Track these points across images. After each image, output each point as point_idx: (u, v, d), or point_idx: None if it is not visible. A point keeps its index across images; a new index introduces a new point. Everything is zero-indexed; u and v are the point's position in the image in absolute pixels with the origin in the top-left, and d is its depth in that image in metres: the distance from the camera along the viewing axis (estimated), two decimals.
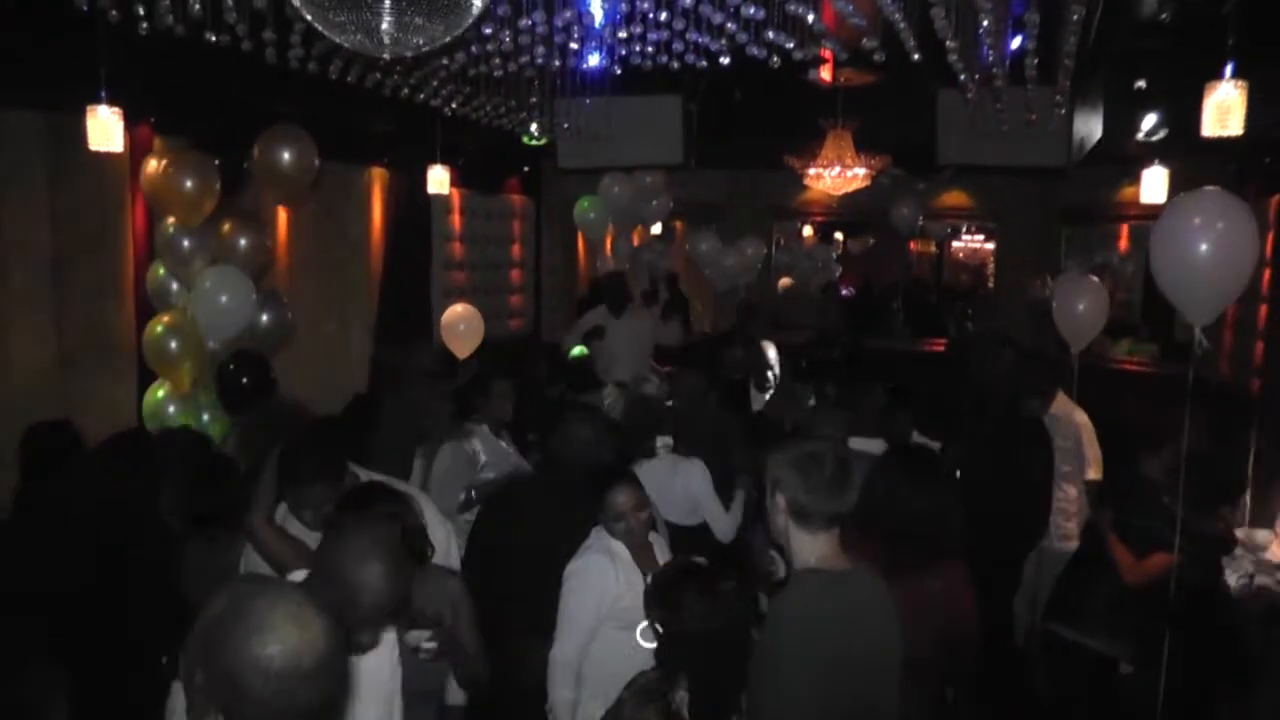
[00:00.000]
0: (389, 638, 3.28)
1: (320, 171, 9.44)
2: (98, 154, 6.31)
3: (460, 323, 8.76)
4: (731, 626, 3.40)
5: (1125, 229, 13.52)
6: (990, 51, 5.69)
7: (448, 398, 6.87)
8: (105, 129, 6.20)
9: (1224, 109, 5.57)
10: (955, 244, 17.16)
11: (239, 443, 5.84)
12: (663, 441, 6.23)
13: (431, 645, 3.73)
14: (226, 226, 7.01)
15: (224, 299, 6.62)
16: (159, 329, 6.86)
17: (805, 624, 3.06)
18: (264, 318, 7.14)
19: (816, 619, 3.06)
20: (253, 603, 1.87)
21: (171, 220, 6.88)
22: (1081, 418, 7.25)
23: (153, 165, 6.68)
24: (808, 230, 16.25)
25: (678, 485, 5.82)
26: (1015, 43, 6.00)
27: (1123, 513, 5.73)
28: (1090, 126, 8.07)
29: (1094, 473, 7.20)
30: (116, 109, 6.21)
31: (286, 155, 6.76)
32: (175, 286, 7.01)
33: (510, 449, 6.38)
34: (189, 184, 6.65)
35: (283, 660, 1.82)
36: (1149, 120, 8.88)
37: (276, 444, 4.42)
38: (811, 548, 3.16)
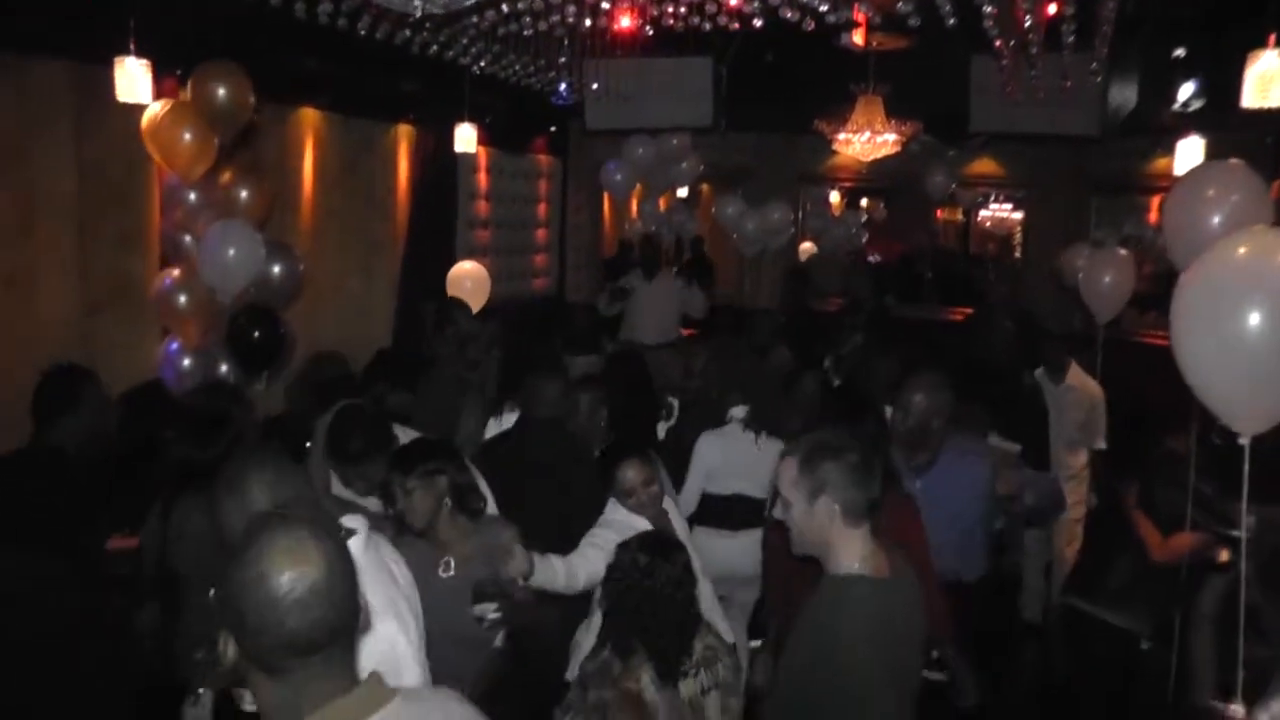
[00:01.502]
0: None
1: (345, 127, 9.47)
2: (125, 105, 6.29)
3: (467, 279, 8.72)
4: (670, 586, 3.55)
5: (1156, 201, 13.37)
6: (1027, 16, 5.62)
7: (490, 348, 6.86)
8: (133, 81, 6.17)
9: (1266, 79, 5.47)
10: (983, 213, 17.02)
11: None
12: (733, 413, 6.16)
13: (496, 616, 3.77)
14: (226, 177, 6.96)
15: (231, 253, 6.57)
16: (168, 282, 6.85)
17: (867, 635, 3.00)
18: (275, 270, 7.09)
19: (875, 630, 3.01)
20: (255, 538, 1.93)
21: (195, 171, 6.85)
22: (1095, 389, 7.27)
23: (155, 117, 6.60)
24: (834, 196, 16.15)
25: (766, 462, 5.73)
26: (1052, 8, 5.93)
27: (1147, 488, 5.70)
28: (1125, 95, 8.00)
29: (1101, 442, 7.32)
30: (145, 61, 6.17)
31: (222, 91, 6.66)
32: (188, 239, 6.99)
33: None
34: (186, 137, 6.59)
35: (271, 591, 1.88)
36: (1186, 90, 8.75)
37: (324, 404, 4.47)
38: (857, 545, 3.11)
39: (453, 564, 3.98)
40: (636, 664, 3.48)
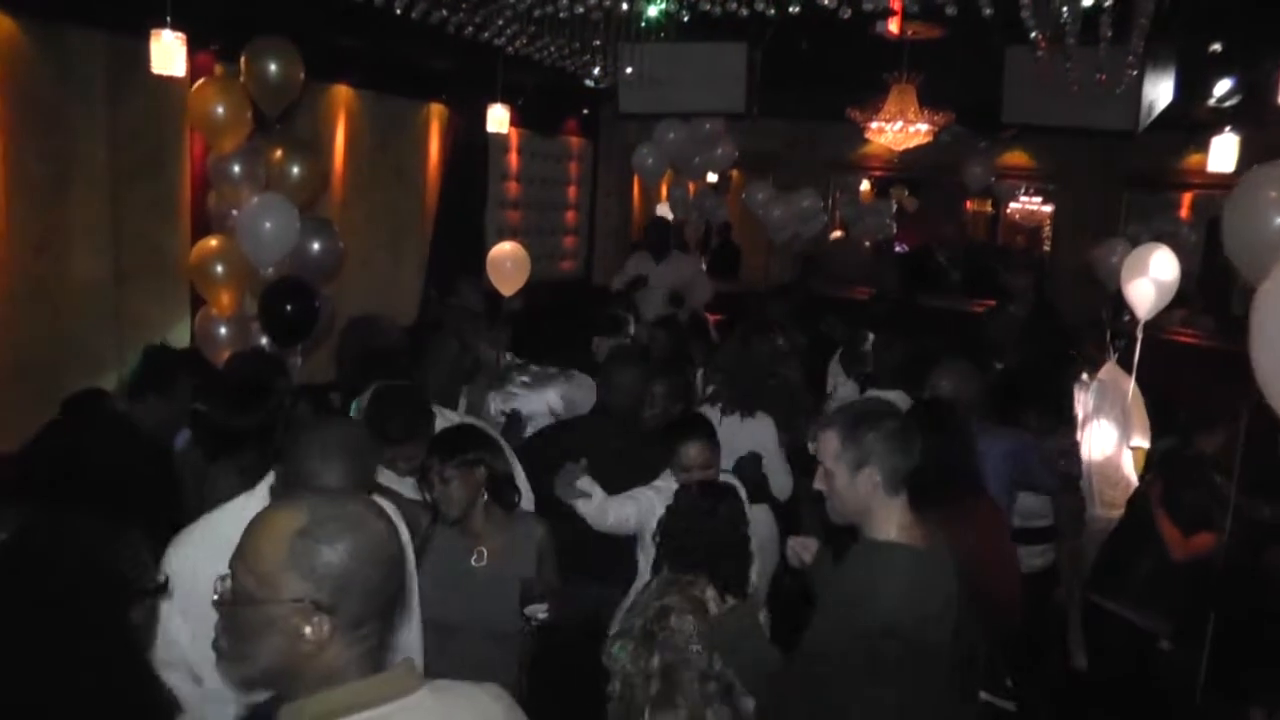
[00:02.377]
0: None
1: (378, 105, 9.50)
2: (159, 77, 6.34)
3: (507, 260, 8.71)
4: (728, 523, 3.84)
5: (1188, 197, 13.26)
6: (1064, 7, 5.59)
7: (497, 337, 6.85)
8: (168, 53, 6.22)
9: None
10: (1012, 205, 16.92)
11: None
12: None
13: (545, 616, 3.77)
14: (278, 154, 7.01)
15: (267, 226, 6.61)
16: (205, 251, 6.92)
17: (901, 602, 3.02)
18: (314, 246, 7.13)
19: (910, 599, 3.04)
20: (338, 506, 1.98)
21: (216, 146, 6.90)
22: (1129, 385, 7.18)
23: (199, 91, 6.67)
24: (864, 185, 16.09)
25: (744, 437, 5.79)
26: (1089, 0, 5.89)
27: (1171, 487, 5.68)
28: (1160, 89, 7.92)
29: (1141, 439, 7.14)
30: (180, 34, 6.22)
31: (274, 67, 6.69)
32: (235, 213, 7.04)
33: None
34: (221, 110, 6.64)
35: (385, 548, 1.97)
36: (1222, 85, 8.68)
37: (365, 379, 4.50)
38: (896, 514, 3.14)
39: (485, 554, 3.98)
40: (700, 582, 3.67)
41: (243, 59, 6.62)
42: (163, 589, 2.43)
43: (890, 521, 3.13)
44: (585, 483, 4.42)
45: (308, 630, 1.89)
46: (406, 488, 4.20)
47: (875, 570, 3.12)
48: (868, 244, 14.09)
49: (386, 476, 4.27)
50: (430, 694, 2.04)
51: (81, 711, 2.23)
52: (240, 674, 1.98)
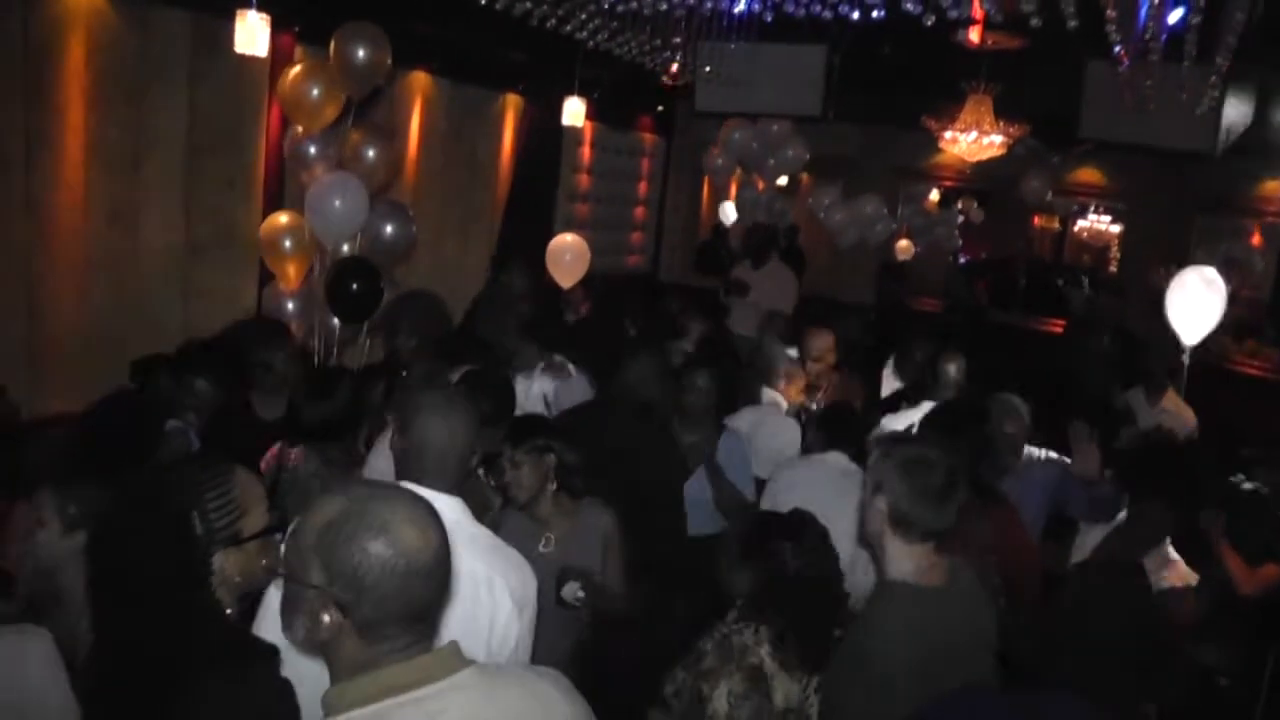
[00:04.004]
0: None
1: (454, 93, 9.60)
2: (240, 56, 6.47)
3: (566, 253, 8.71)
4: (824, 568, 3.45)
5: (1260, 225, 13.10)
6: (1149, 23, 5.58)
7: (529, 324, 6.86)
8: (252, 33, 6.35)
9: None
10: (1080, 223, 16.77)
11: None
12: (770, 395, 6.24)
13: (581, 595, 3.76)
14: (355, 136, 7.11)
15: (337, 204, 6.71)
16: (275, 226, 7.03)
17: (897, 641, 2.91)
18: (387, 229, 7.22)
19: (908, 637, 2.92)
20: (373, 505, 1.95)
21: (300, 127, 7.01)
22: (1191, 417, 7.07)
23: (290, 72, 6.79)
24: (934, 194, 16.01)
25: (766, 438, 5.76)
26: (1175, 16, 5.86)
27: (1235, 520, 5.59)
28: (1240, 112, 7.87)
29: None
30: (265, 15, 6.35)
31: (362, 52, 6.79)
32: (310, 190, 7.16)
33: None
34: (314, 92, 6.75)
35: (406, 560, 1.91)
36: None
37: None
38: (906, 559, 3.00)
39: (552, 540, 4.01)
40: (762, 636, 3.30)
41: (332, 42, 6.73)
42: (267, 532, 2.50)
43: (899, 563, 3.01)
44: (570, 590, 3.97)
45: (325, 619, 1.92)
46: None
47: (875, 609, 3.04)
48: (950, 257, 13.99)
49: None
50: (476, 675, 2.04)
51: (186, 655, 2.30)
52: (291, 638, 2.02)
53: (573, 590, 3.76)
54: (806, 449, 5.51)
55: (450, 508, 2.83)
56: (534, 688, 2.15)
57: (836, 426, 5.15)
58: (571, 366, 6.06)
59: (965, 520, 3.18)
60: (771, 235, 10.66)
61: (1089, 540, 4.96)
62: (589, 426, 4.88)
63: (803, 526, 3.55)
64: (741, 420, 5.80)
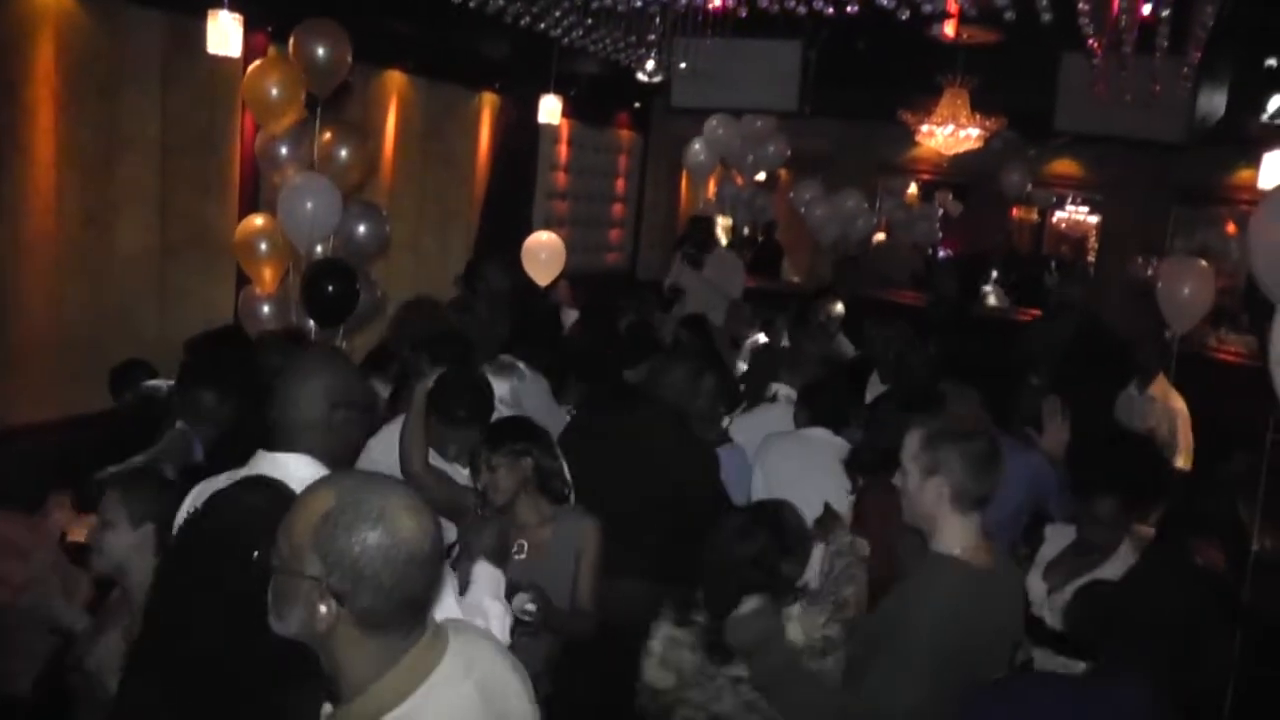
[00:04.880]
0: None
1: (430, 91, 9.57)
2: (213, 56, 6.42)
3: (542, 251, 8.70)
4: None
5: (1236, 214, 13.13)
6: (1123, 16, 5.60)
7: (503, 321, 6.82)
8: (225, 33, 6.29)
9: None
10: (1058, 214, 16.81)
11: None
12: (784, 392, 6.18)
13: (531, 608, 3.56)
14: (327, 136, 7.08)
15: (309, 206, 6.69)
16: (250, 229, 7.01)
17: (945, 616, 3.02)
18: (360, 229, 7.20)
19: (956, 613, 3.03)
20: (368, 495, 1.96)
21: (267, 127, 6.98)
22: (1178, 404, 7.09)
23: (250, 70, 6.77)
24: (912, 188, 16.04)
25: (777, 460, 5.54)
26: (1147, 9, 5.88)
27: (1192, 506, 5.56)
28: (1213, 103, 7.92)
29: (1183, 461, 7.06)
30: (237, 15, 6.31)
31: (321, 50, 6.76)
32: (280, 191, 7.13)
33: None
34: (275, 91, 6.71)
35: (407, 549, 1.92)
36: (1276, 101, 8.63)
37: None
38: (962, 532, 3.14)
39: (525, 548, 3.96)
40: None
41: (291, 40, 6.70)
42: None
43: (953, 537, 3.14)
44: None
45: (322, 610, 1.92)
46: (460, 474, 4.25)
47: (926, 580, 3.15)
48: (914, 248, 14.01)
49: (439, 462, 4.34)
50: (457, 642, 2.11)
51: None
52: (282, 630, 2.00)
53: (520, 603, 3.56)
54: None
55: (306, 464, 2.87)
56: (486, 638, 2.28)
57: (819, 403, 5.38)
58: (522, 365, 5.94)
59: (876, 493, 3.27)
60: (709, 226, 10.71)
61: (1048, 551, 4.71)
62: (615, 432, 4.90)
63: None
64: (747, 431, 5.73)
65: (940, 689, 2.95)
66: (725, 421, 5.63)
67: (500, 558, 3.50)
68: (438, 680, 2.02)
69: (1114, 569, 4.08)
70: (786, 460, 5.19)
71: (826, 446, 5.16)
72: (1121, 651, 2.84)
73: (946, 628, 2.99)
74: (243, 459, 3.02)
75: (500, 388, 5.86)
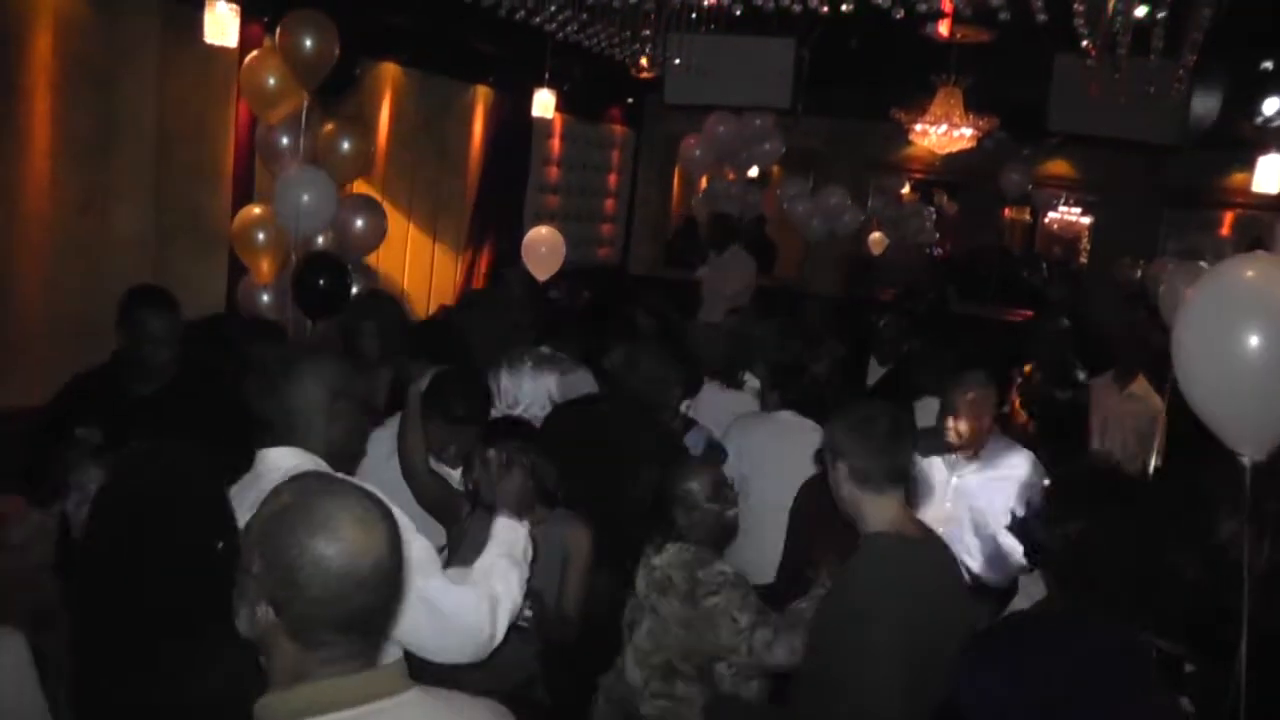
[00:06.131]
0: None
1: (425, 84, 9.56)
2: (210, 46, 6.43)
3: (542, 245, 8.73)
4: None
5: (1229, 217, 13.16)
6: (1117, 17, 5.59)
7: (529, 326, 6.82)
8: (222, 23, 6.31)
9: None
10: (1051, 215, 16.82)
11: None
12: (752, 384, 6.20)
13: (529, 614, 3.53)
14: (328, 128, 7.07)
15: (304, 198, 6.68)
16: (248, 218, 7.00)
17: (881, 585, 3.07)
18: (358, 222, 7.20)
19: (892, 581, 3.08)
20: (321, 500, 1.86)
21: (263, 117, 6.97)
22: (1158, 403, 7.13)
23: (247, 61, 6.75)
24: (905, 187, 16.03)
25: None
26: (1142, 11, 5.87)
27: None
28: (1208, 106, 7.92)
29: (1155, 459, 7.10)
30: (234, 5, 6.31)
31: (309, 41, 6.75)
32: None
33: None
34: (270, 81, 6.70)
35: (342, 561, 1.80)
36: (1270, 104, 8.62)
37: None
38: (882, 510, 3.17)
39: None
40: None
41: (278, 31, 6.68)
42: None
43: (876, 517, 3.18)
44: None
45: (258, 612, 1.83)
46: (454, 478, 4.20)
47: (860, 559, 3.17)
48: (927, 250, 14.03)
49: (438, 466, 4.29)
50: (421, 695, 1.96)
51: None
52: (240, 630, 1.90)
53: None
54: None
55: (292, 455, 2.87)
56: (474, 715, 2.07)
57: (787, 386, 5.47)
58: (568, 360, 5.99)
59: None
60: (732, 225, 10.69)
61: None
62: (590, 425, 4.94)
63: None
64: (710, 409, 5.77)
65: (908, 661, 2.96)
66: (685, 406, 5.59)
67: (523, 508, 3.47)
68: (387, 706, 1.88)
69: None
70: (757, 442, 5.30)
71: (796, 429, 5.19)
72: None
73: (884, 603, 3.02)
74: None
75: (546, 381, 5.91)
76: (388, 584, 1.89)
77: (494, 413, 4.96)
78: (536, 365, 6.00)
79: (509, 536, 3.30)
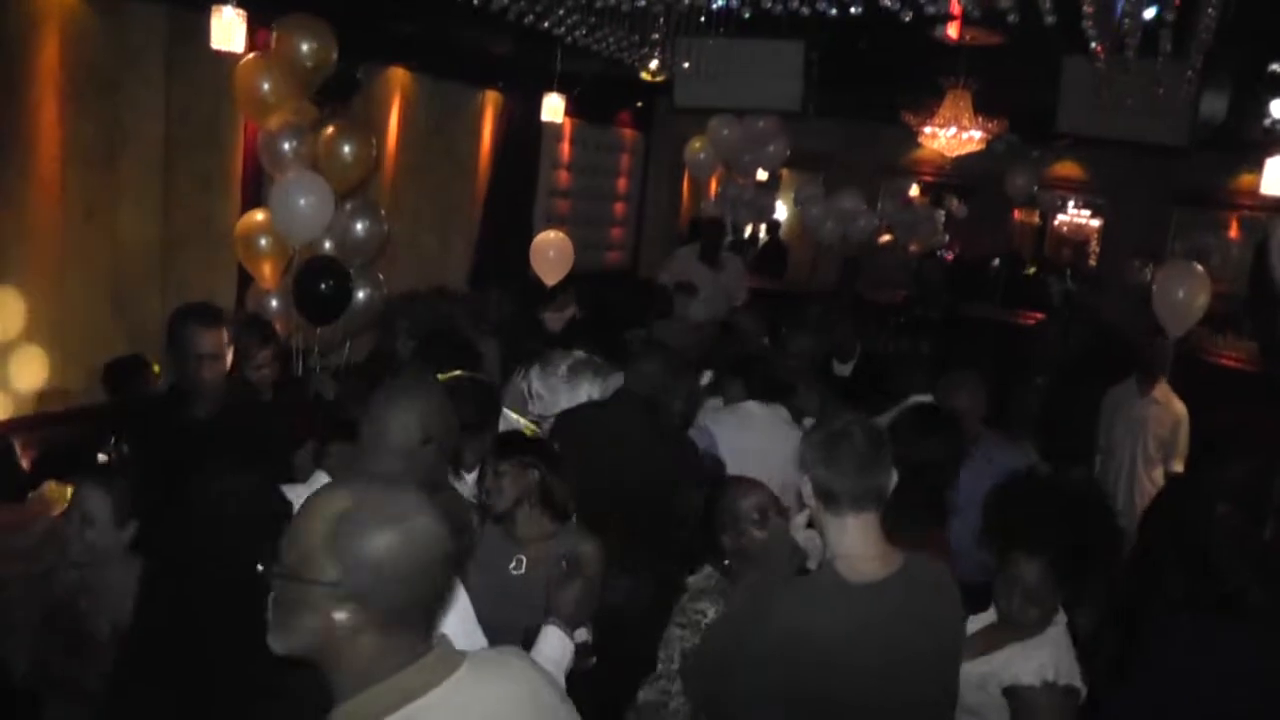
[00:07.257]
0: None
1: (434, 89, 9.59)
2: (217, 51, 6.42)
3: (550, 249, 8.73)
4: None
5: (1237, 218, 13.15)
6: (1125, 19, 5.59)
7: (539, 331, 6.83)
8: (229, 29, 6.29)
9: None
10: (1060, 217, 16.79)
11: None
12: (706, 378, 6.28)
13: (587, 638, 3.39)
14: (329, 133, 7.09)
15: (301, 203, 6.69)
16: (250, 224, 7.02)
17: (785, 632, 2.84)
18: (358, 227, 7.21)
19: (796, 630, 2.83)
20: (384, 496, 1.95)
21: (263, 122, 6.98)
22: (1180, 408, 7.14)
23: (240, 66, 6.76)
24: (914, 190, 16.02)
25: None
26: (1150, 12, 5.87)
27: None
28: (1216, 107, 7.91)
29: (1179, 465, 7.11)
30: (241, 10, 6.31)
31: (305, 45, 6.76)
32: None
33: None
34: (265, 86, 6.72)
35: (426, 547, 1.92)
36: (1278, 106, 8.61)
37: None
38: (839, 535, 2.89)
39: (524, 562, 3.93)
40: None
41: (274, 35, 6.70)
42: None
43: (834, 541, 2.92)
44: None
45: (338, 616, 1.88)
46: (465, 489, 4.23)
47: (775, 588, 3.04)
48: (913, 249, 14.00)
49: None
50: (470, 669, 2.03)
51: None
52: (284, 645, 1.94)
53: (581, 636, 3.29)
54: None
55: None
56: (513, 670, 2.16)
57: (750, 375, 5.57)
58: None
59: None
60: (720, 228, 10.73)
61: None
62: (597, 427, 4.98)
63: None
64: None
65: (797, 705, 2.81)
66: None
67: (576, 622, 3.22)
68: (450, 688, 1.97)
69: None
70: (726, 434, 5.34)
71: (761, 419, 5.38)
72: None
73: (789, 644, 2.82)
74: None
75: (590, 387, 5.91)
76: (452, 563, 2.04)
77: (530, 415, 5.05)
78: (571, 371, 6.02)
79: (554, 655, 3.04)
